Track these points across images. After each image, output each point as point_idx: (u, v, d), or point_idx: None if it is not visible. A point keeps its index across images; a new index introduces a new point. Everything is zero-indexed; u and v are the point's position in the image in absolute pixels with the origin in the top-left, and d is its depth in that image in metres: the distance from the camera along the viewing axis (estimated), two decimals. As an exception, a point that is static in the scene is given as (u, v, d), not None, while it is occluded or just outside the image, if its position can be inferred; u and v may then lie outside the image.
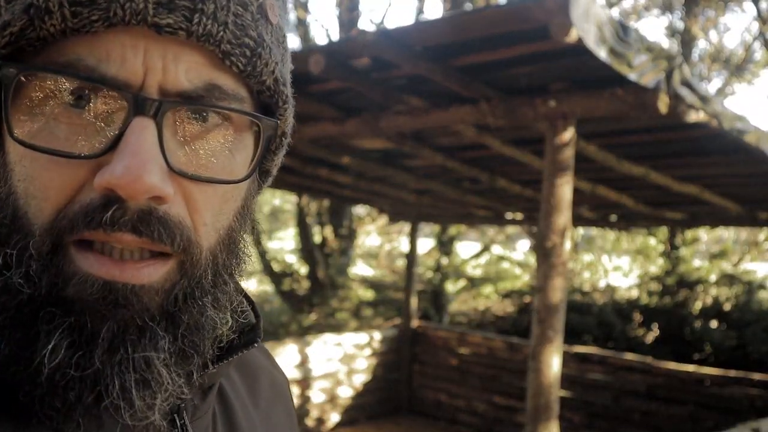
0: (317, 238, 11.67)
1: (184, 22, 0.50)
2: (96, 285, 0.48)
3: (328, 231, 11.58)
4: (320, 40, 12.51)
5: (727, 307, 7.95)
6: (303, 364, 6.61)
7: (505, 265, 11.32)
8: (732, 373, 5.81)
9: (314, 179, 6.56)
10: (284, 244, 16.23)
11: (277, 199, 16.36)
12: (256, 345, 0.65)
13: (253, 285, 13.92)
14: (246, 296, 0.69)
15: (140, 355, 0.49)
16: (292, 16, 11.49)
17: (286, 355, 6.41)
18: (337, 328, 9.25)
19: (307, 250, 11.50)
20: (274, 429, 0.74)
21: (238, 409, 0.69)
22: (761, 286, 8.35)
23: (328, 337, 7.01)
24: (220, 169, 0.53)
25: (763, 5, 9.73)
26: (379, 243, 13.67)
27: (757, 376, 5.70)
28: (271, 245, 15.22)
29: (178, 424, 0.59)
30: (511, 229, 11.42)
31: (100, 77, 0.49)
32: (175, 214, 0.51)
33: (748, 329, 7.24)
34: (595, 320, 8.15)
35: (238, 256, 0.58)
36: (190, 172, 0.51)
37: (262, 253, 12.03)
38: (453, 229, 10.66)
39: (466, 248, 12.47)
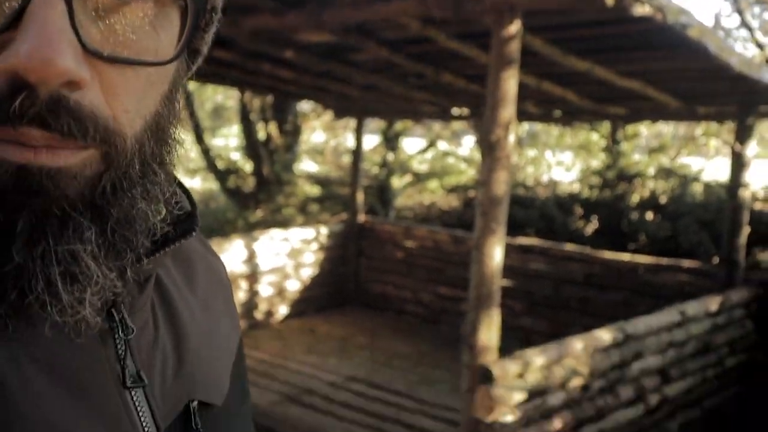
0: (261, 135, 11.50)
1: None
2: (9, 170, 0.43)
3: (273, 127, 11.42)
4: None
5: (663, 199, 8.23)
6: (250, 259, 6.66)
7: (451, 160, 11.42)
8: (664, 261, 6.09)
9: (257, 74, 6.40)
10: (228, 141, 15.98)
11: (220, 95, 15.96)
12: (194, 234, 0.61)
13: (198, 183, 13.77)
14: (180, 185, 0.65)
15: (64, 248, 0.45)
16: None
17: (233, 251, 6.44)
18: (284, 223, 9.28)
19: (252, 146, 11.36)
20: (213, 316, 0.71)
21: (177, 299, 0.66)
22: (695, 180, 8.64)
23: (275, 233, 7.04)
24: (142, 49, 0.47)
25: None
26: (324, 139, 13.57)
27: (686, 263, 5.99)
28: (215, 142, 14.97)
29: (117, 318, 0.56)
30: (456, 125, 11.44)
31: None
32: (87, 103, 0.44)
33: (681, 220, 7.53)
34: (537, 213, 8.36)
35: (167, 144, 0.53)
36: (106, 52, 0.44)
37: (206, 151, 11.83)
38: (399, 125, 10.63)
39: (412, 144, 12.49)
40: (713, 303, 4.97)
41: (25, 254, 0.44)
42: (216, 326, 0.72)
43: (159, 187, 0.53)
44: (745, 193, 5.41)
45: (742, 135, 5.35)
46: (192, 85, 11.02)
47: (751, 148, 5.39)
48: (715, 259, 6.43)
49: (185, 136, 0.56)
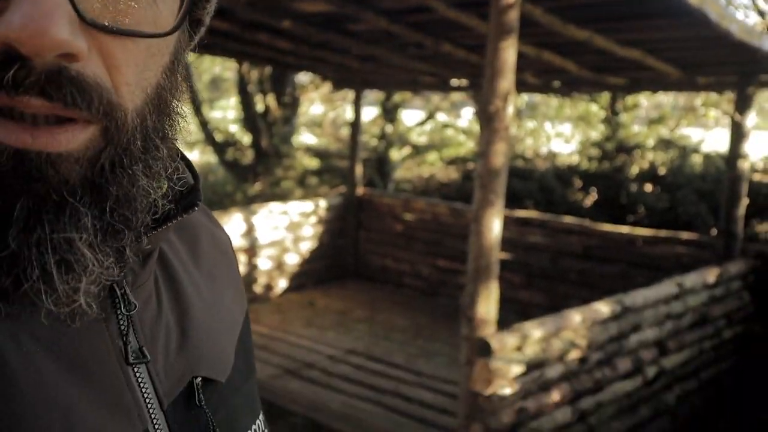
0: (260, 107, 11.44)
1: None
2: (6, 154, 0.41)
3: (271, 99, 11.35)
4: None
5: (662, 171, 8.22)
6: (249, 232, 6.65)
7: (450, 132, 11.36)
8: (662, 233, 6.09)
9: (254, 45, 6.34)
10: (226, 113, 15.89)
11: (218, 67, 15.84)
12: (197, 208, 0.60)
13: (196, 156, 13.73)
14: (183, 158, 0.63)
15: (60, 236, 0.43)
16: None
17: (232, 225, 6.43)
18: (283, 196, 9.27)
19: (250, 119, 11.29)
20: (217, 287, 0.71)
21: (181, 273, 0.66)
22: (695, 151, 8.61)
23: (274, 206, 7.03)
24: (141, 19, 0.45)
25: None
26: (322, 111, 13.49)
27: (685, 235, 6.00)
28: (213, 115, 14.89)
29: (119, 294, 0.55)
30: (455, 96, 11.37)
31: None
32: (90, 73, 0.43)
33: (679, 192, 7.52)
34: (536, 185, 8.35)
35: (170, 117, 0.52)
36: (105, 22, 0.43)
37: (204, 123, 11.77)
38: (397, 97, 10.57)
39: (410, 116, 12.43)
40: (711, 275, 4.98)
41: (20, 241, 0.43)
42: (220, 298, 0.71)
43: (161, 163, 0.51)
44: (743, 165, 5.39)
45: (742, 105, 5.32)
46: (190, 57, 10.92)
47: (751, 119, 5.37)
48: (713, 231, 6.44)
49: (185, 109, 0.55)
